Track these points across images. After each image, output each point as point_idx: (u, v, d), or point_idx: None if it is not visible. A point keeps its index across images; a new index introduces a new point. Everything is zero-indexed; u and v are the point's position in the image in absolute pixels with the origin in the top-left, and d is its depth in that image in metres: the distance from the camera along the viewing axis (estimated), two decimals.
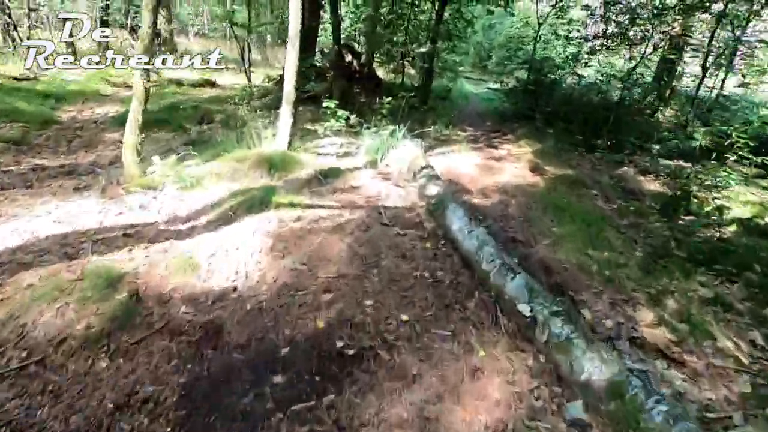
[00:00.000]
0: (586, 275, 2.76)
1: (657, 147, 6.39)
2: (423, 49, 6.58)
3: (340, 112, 4.72)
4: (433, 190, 3.52)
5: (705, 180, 4.07)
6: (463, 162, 5.28)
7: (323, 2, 7.62)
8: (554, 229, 3.49)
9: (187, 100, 6.85)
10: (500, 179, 4.80)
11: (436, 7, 8.85)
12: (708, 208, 3.88)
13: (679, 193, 4.21)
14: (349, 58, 10.15)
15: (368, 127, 5.09)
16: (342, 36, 11.57)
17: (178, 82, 8.53)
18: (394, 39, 10.03)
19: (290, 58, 3.84)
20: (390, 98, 5.24)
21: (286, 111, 4.06)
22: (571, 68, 9.43)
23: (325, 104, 4.75)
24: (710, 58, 7.74)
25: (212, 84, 8.99)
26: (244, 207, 3.21)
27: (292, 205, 3.31)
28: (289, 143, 4.24)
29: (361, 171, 4.37)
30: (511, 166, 5.38)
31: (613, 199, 4.44)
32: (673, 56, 9.29)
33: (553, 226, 3.58)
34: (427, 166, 4.15)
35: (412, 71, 16.15)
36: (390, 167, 4.55)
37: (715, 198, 3.98)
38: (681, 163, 6.05)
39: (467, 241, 2.68)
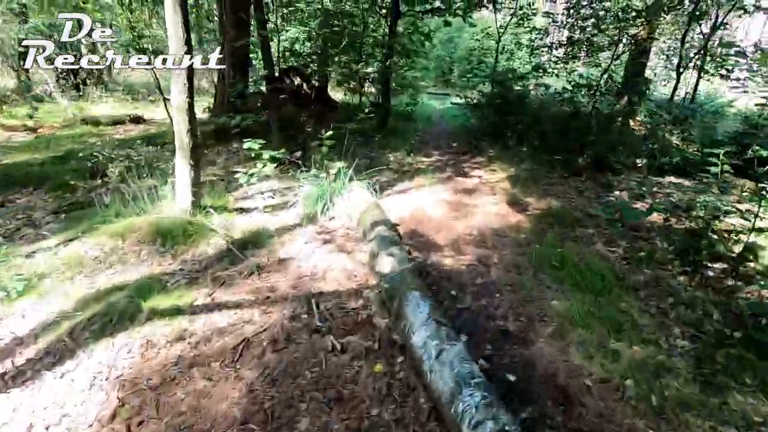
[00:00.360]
0: (620, 402, 1.80)
1: (643, 162, 5.71)
2: (369, 69, 5.70)
3: (266, 154, 3.68)
4: (386, 263, 2.51)
5: (722, 212, 3.27)
6: (428, 200, 4.33)
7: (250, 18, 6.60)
8: (555, 303, 2.55)
9: (93, 145, 5.63)
10: (475, 222, 3.86)
11: (388, 22, 8.07)
12: (737, 249, 3.06)
13: (694, 226, 3.40)
14: (297, 81, 9.20)
15: (306, 170, 4.06)
16: (288, 57, 10.65)
17: (95, 122, 7.27)
18: (344, 58, 9.18)
19: (177, 87, 2.80)
20: (330, 131, 4.24)
21: (181, 162, 2.99)
22: (537, 79, 8.86)
23: (246, 145, 3.70)
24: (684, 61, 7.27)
25: (139, 120, 7.77)
26: (97, 325, 2.09)
27: (175, 311, 2.22)
28: (194, 203, 3.15)
29: (296, 232, 3.32)
30: (486, 201, 4.47)
31: (615, 239, 3.58)
32: (640, 61, 8.90)
33: (553, 296, 2.64)
34: (381, 220, 3.15)
35: (374, 90, 15.46)
36: (335, 221, 3.53)
37: (741, 233, 3.17)
38: (672, 179, 5.36)
39: (437, 374, 1.67)
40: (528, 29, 8.79)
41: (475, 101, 9.01)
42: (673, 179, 5.32)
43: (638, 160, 5.71)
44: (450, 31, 21.51)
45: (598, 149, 5.75)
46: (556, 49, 8.38)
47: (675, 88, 7.36)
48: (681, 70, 7.15)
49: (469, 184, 5.10)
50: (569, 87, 8.52)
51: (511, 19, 8.85)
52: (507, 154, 6.78)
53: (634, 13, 7.35)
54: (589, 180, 5.30)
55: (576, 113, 7.93)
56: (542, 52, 8.92)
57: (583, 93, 8.48)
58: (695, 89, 7.70)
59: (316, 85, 10.84)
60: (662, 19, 7.95)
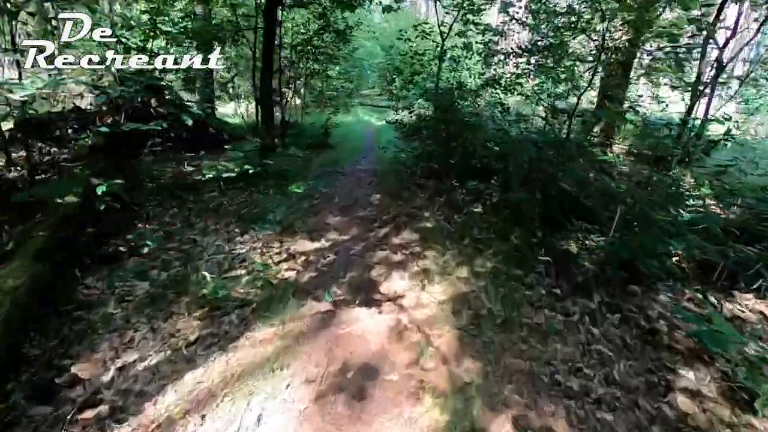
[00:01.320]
0: None
1: (682, 258, 3.21)
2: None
3: None
4: None
5: None
6: None
7: None
8: None
9: None
10: None
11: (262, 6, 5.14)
12: None
13: None
14: (142, 99, 6.01)
15: None
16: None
17: None
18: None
19: None
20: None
21: None
22: (493, 96, 6.40)
23: None
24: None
25: None
26: None
27: None
28: None
29: None
30: None
31: None
32: (623, 74, 6.78)
33: None
34: None
35: (297, 101, 12.55)
36: None
37: None
38: (751, 298, 2.89)
39: None
40: (480, 29, 6.27)
41: (408, 125, 6.33)
42: (751, 298, 2.86)
43: (676, 250, 3.20)
44: (392, 34, 19.10)
45: (617, 238, 3.15)
46: (519, 56, 5.93)
47: (689, 112, 5.09)
48: (701, 89, 4.92)
49: (367, 344, 2.28)
50: (540, 111, 6.16)
51: (458, 14, 6.28)
52: (455, 225, 4.10)
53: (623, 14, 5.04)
54: (608, 308, 2.69)
55: (544, 146, 5.53)
56: (498, 60, 6.46)
57: (554, 117, 6.17)
58: (706, 113, 5.51)
59: (183, 103, 7.73)
60: (657, 18, 5.75)
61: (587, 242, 3.53)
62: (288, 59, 7.64)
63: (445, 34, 6.22)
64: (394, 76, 18.46)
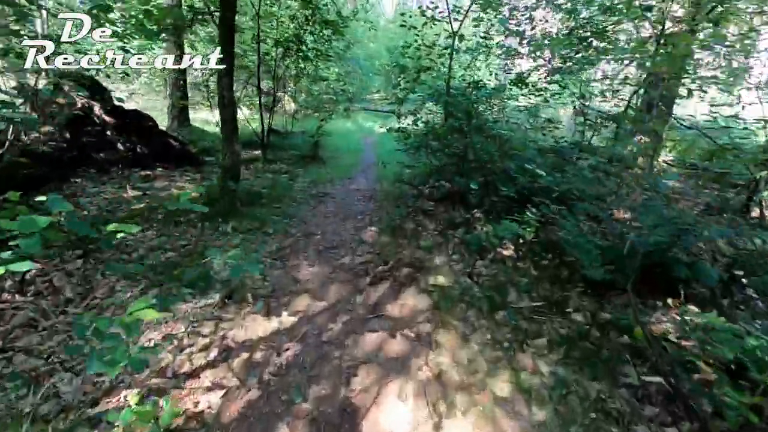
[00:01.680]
0: None
1: None
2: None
3: None
4: None
5: None
6: None
7: None
8: None
9: None
10: None
11: None
12: None
13: None
14: (83, 101, 4.88)
15: None
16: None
17: None
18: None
19: None
20: None
21: None
22: (519, 97, 5.17)
23: None
24: None
25: None
26: None
27: None
28: None
29: None
30: None
31: None
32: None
33: None
34: None
35: (293, 105, 11.42)
36: None
37: None
38: None
39: None
40: (497, 16, 5.01)
41: (412, 135, 5.09)
42: None
43: None
44: (398, 36, 18.01)
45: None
46: (557, 50, 4.67)
47: None
48: None
49: None
50: (562, 114, 4.92)
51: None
52: (479, 279, 2.85)
53: None
54: None
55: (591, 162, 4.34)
56: (527, 53, 5.22)
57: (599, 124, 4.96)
58: None
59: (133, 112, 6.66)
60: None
61: (689, 321, 2.25)
62: (272, 56, 6.49)
63: (459, 22, 5.00)
64: (399, 79, 17.36)
